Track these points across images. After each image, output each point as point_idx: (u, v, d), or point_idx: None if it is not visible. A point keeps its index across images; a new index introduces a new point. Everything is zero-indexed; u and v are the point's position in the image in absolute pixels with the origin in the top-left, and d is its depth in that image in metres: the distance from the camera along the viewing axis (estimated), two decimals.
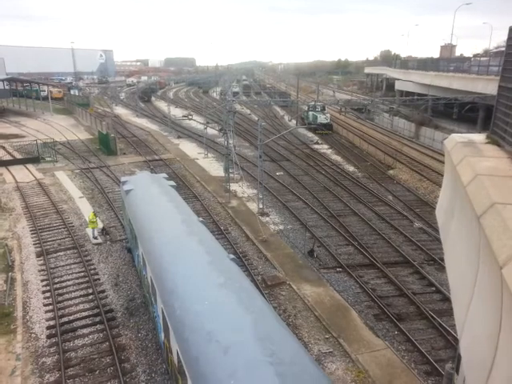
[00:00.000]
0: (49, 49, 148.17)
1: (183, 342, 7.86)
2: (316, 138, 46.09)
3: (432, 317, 14.42)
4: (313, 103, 49.92)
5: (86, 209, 23.96)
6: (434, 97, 41.14)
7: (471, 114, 39.91)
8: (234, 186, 27.49)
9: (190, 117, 59.78)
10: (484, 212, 3.92)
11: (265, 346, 6.83)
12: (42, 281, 16.58)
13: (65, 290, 15.98)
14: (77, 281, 16.65)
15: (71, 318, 14.33)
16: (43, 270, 17.34)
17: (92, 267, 17.68)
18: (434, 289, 16.41)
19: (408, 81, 56.64)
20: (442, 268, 17.23)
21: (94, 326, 13.92)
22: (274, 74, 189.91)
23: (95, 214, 20.66)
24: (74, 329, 13.75)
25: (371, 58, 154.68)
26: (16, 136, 45.06)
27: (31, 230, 21.21)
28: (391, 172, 32.84)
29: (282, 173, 32.15)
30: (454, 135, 6.98)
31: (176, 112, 63.86)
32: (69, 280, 16.71)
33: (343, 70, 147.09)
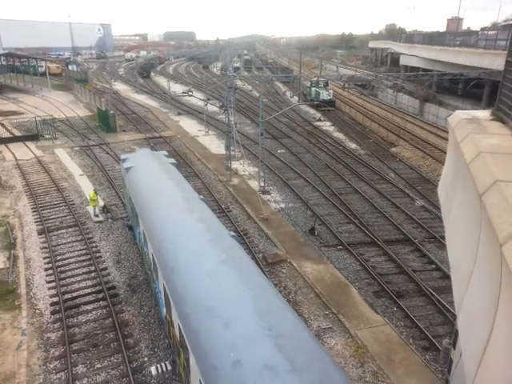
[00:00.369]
0: (45, 23, 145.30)
1: (185, 317, 8.00)
2: (318, 114, 45.58)
3: (431, 294, 14.56)
4: (315, 79, 49.11)
5: (87, 187, 23.96)
6: (439, 72, 40.39)
7: (476, 90, 39.25)
8: (235, 164, 27.37)
9: (190, 93, 59.05)
10: (486, 190, 3.86)
11: (264, 320, 6.95)
12: (45, 258, 16.73)
13: (67, 268, 16.14)
14: (79, 258, 16.80)
15: (74, 294, 14.52)
16: (45, 248, 17.47)
17: (94, 245, 17.81)
18: (434, 266, 16.52)
19: (413, 55, 55.51)
20: (442, 246, 17.29)
21: (96, 303, 14.11)
22: (276, 48, 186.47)
23: (96, 192, 20.66)
24: (77, 305, 13.95)
25: (376, 31, 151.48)
26: (14, 113, 44.72)
27: (32, 208, 21.27)
28: (394, 149, 32.59)
29: (283, 150, 31.95)
30: (458, 112, 6.84)
31: (176, 88, 63.07)
32: (71, 257, 16.85)
33: (347, 44, 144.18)
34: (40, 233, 18.73)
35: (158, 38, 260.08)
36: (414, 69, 53.69)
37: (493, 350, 3.01)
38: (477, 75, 33.40)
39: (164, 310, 10.75)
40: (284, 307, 7.77)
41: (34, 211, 20.92)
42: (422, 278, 15.56)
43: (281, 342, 6.44)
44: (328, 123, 42.13)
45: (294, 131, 38.10)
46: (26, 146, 32.45)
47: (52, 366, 11.51)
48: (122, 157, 18.25)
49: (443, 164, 7.11)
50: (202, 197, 13.78)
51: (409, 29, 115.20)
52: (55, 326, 13.01)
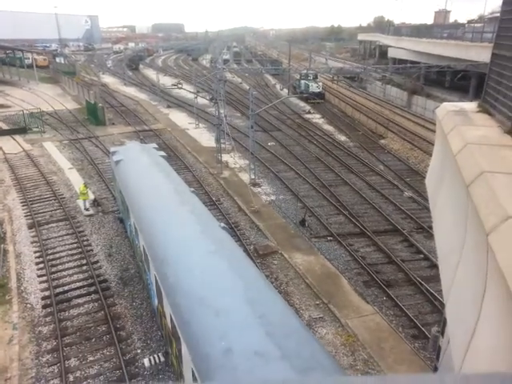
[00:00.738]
0: (31, 14, 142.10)
1: (176, 307, 8.12)
2: (308, 107, 45.63)
3: (420, 283, 14.84)
4: (305, 71, 49.08)
5: (76, 180, 23.77)
6: (426, 64, 40.66)
7: (463, 83, 39.64)
8: (225, 157, 27.34)
9: (180, 85, 58.53)
10: (473, 181, 3.97)
11: (254, 309, 7.08)
12: (35, 252, 16.63)
13: (58, 261, 16.07)
14: (70, 252, 16.72)
15: (66, 288, 14.49)
16: (35, 242, 17.36)
17: (85, 238, 17.73)
18: (422, 256, 16.81)
19: (401, 48, 55.75)
20: (430, 236, 17.58)
21: (88, 296, 14.11)
22: (265, 40, 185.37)
23: (86, 186, 20.52)
24: (68, 299, 13.93)
25: (365, 24, 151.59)
26: (1, 106, 43.93)
27: (22, 202, 21.06)
28: (383, 141, 32.85)
29: (273, 143, 31.99)
30: (445, 104, 6.95)
31: (165, 80, 62.48)
32: (62, 251, 16.77)
33: (336, 36, 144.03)
34: (30, 227, 18.58)
35: (146, 29, 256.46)
36: (402, 61, 53.92)
37: (479, 337, 3.12)
38: (464, 67, 33.72)
39: (156, 301, 10.84)
40: (274, 296, 7.93)
41: (23, 205, 20.72)
42: (410, 268, 15.83)
43: (271, 330, 6.58)
44: (317, 116, 42.22)
45: (284, 124, 38.13)
46: (14, 139, 31.97)
47: (44, 359, 11.52)
48: (112, 150, 18.16)
49: (431, 155, 7.24)
50: (192, 189, 13.81)
51: (397, 21, 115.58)
52: (47, 319, 12.99)
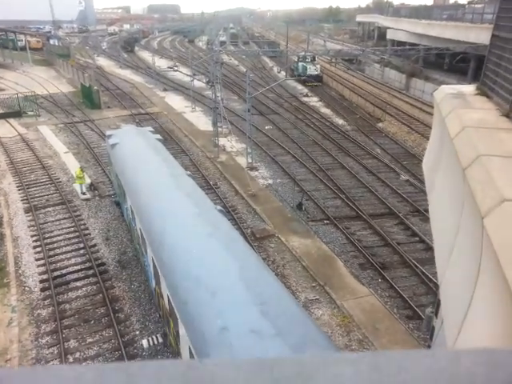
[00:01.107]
0: None
1: (173, 288, 8.25)
2: (306, 90, 45.22)
3: (415, 265, 15.00)
4: (303, 54, 48.47)
5: (73, 164, 23.64)
6: (425, 47, 40.22)
7: (462, 65, 39.31)
8: (222, 141, 27.19)
9: (176, 68, 57.81)
10: (469, 164, 3.97)
11: (250, 289, 7.23)
12: (32, 236, 16.65)
13: (56, 245, 16.11)
14: (67, 236, 16.75)
15: (63, 271, 14.57)
16: (33, 226, 17.36)
17: (82, 222, 17.74)
18: (417, 239, 16.94)
19: (400, 30, 55.02)
20: (426, 219, 17.69)
21: (86, 279, 14.20)
22: (262, 21, 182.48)
23: (82, 170, 20.43)
24: (67, 282, 14.02)
25: (363, 5, 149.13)
26: None
27: (18, 186, 20.98)
28: (380, 125, 32.71)
29: (270, 127, 31.80)
30: (443, 87, 6.90)
31: (161, 63, 61.63)
32: (59, 235, 16.80)
33: (334, 18, 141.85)
34: (27, 211, 18.56)
35: (141, 11, 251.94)
36: (400, 43, 53.33)
37: (472, 318, 3.17)
38: (463, 50, 33.38)
39: (153, 283, 10.96)
40: (269, 276, 8.09)
41: (19, 189, 20.64)
42: (405, 250, 15.97)
43: (265, 309, 6.72)
44: (315, 99, 41.90)
45: (281, 107, 37.84)
46: (9, 123, 31.64)
47: (44, 341, 11.66)
48: (108, 133, 18.05)
49: (428, 139, 7.23)
50: (188, 172, 13.80)
51: (396, 2, 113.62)
52: (45, 302, 13.09)
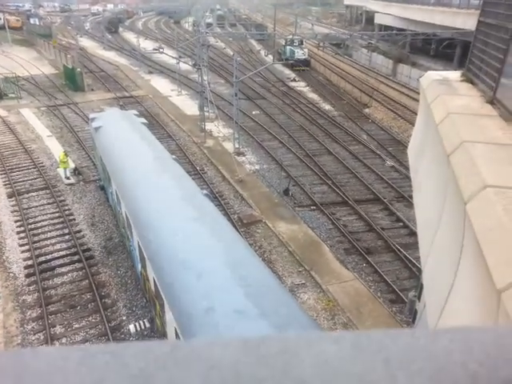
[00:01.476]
0: None
1: (159, 270, 8.32)
2: (293, 74, 44.91)
3: (398, 250, 15.27)
4: (290, 37, 47.97)
5: (56, 148, 23.21)
6: (413, 32, 40.18)
7: (448, 51, 39.45)
8: (209, 126, 26.97)
9: (161, 50, 56.65)
10: (453, 150, 4.01)
11: (235, 271, 7.34)
12: (16, 221, 16.41)
13: (40, 231, 15.91)
14: (52, 221, 16.55)
15: (48, 257, 14.44)
16: (16, 211, 17.09)
17: (66, 207, 17.52)
18: (401, 224, 17.21)
19: (388, 14, 54.77)
20: (410, 205, 17.93)
21: (72, 265, 14.11)
22: (249, 3, 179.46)
23: (66, 154, 20.08)
24: (52, 268, 13.91)
25: None
26: None
27: (0, 171, 20.54)
28: (367, 111, 32.79)
29: (258, 112, 31.60)
30: (429, 73, 6.92)
31: (146, 44, 60.38)
32: (43, 221, 16.58)
33: (322, 0, 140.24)
34: (10, 196, 18.23)
35: None
36: (388, 28, 53.15)
37: (453, 302, 3.24)
38: (449, 35, 33.45)
39: (139, 266, 10.98)
40: (253, 259, 8.24)
41: (1, 174, 20.23)
42: (390, 236, 16.22)
43: (250, 290, 6.84)
44: (302, 83, 41.67)
45: (268, 92, 37.56)
46: None
47: (29, 327, 11.60)
48: (91, 116, 17.78)
49: (414, 125, 7.28)
50: (174, 156, 13.71)
51: None
52: (30, 288, 12.99)
